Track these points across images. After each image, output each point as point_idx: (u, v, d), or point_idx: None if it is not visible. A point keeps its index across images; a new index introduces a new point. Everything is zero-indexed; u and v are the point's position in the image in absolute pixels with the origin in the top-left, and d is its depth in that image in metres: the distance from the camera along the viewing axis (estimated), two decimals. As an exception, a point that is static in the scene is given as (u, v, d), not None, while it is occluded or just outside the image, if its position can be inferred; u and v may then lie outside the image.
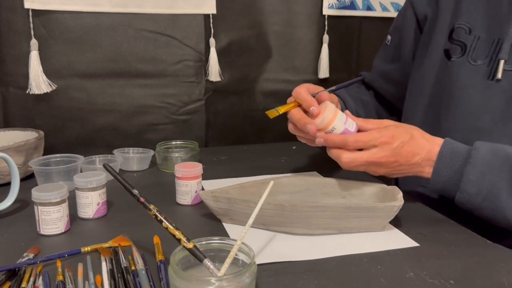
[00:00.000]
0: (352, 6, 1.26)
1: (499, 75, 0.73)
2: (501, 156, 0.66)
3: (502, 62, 0.73)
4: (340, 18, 1.24)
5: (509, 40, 0.73)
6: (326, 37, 1.25)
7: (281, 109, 0.74)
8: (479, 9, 0.79)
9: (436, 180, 0.69)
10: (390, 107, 1.03)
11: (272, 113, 0.75)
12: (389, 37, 0.99)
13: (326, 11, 1.23)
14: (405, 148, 0.69)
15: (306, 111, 0.74)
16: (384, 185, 0.70)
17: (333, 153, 0.71)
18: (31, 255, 0.56)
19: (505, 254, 0.58)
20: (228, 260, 0.46)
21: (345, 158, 0.69)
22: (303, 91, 0.74)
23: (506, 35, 0.73)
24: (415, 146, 0.70)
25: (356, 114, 0.92)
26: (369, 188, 0.71)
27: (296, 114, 0.74)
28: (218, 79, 1.16)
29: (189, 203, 0.75)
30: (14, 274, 0.52)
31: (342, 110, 0.80)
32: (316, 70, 1.27)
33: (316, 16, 1.23)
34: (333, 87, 0.84)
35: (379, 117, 1.00)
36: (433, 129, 0.84)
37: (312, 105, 0.72)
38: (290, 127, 0.77)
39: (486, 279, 0.52)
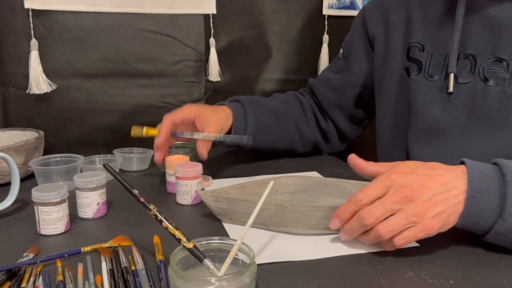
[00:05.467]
0: (352, 6, 1.26)
1: (451, 88, 0.75)
2: None
3: (451, 76, 0.75)
4: (340, 18, 1.25)
5: (454, 54, 0.75)
6: (326, 37, 1.25)
7: (146, 132, 0.82)
8: (428, 27, 0.81)
9: (470, 212, 0.55)
10: (322, 116, 1.04)
11: (136, 131, 0.82)
12: (341, 50, 1.02)
13: (326, 11, 1.23)
14: (420, 171, 0.56)
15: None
16: None
17: (370, 238, 0.55)
18: (31, 255, 0.56)
19: (505, 254, 0.58)
20: (228, 260, 0.46)
21: (383, 229, 0.54)
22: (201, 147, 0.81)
23: (451, 49, 0.75)
24: (438, 169, 0.57)
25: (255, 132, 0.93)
26: None
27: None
28: (218, 79, 1.16)
29: (189, 203, 0.75)
30: (14, 274, 0.52)
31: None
32: (316, 70, 1.27)
33: (316, 16, 1.23)
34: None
35: (298, 129, 1.01)
36: (403, 147, 0.86)
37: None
38: None
39: (486, 279, 0.52)
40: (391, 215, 0.54)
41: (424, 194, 0.53)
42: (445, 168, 0.57)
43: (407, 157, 0.85)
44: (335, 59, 1.04)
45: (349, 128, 1.04)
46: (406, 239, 0.54)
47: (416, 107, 0.82)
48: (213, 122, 0.85)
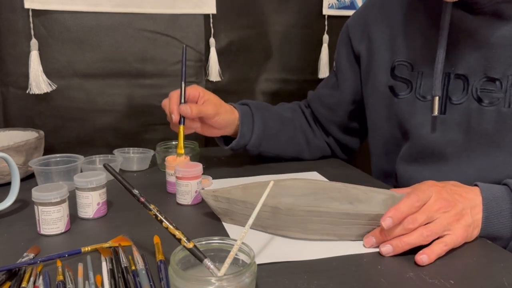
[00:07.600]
0: (352, 6, 1.26)
1: (435, 112, 0.74)
2: None
3: (436, 99, 0.74)
4: (340, 18, 1.24)
5: (438, 77, 0.73)
6: (326, 37, 1.25)
7: (180, 150, 0.82)
8: (416, 45, 0.79)
9: (487, 232, 0.62)
10: (322, 129, 1.04)
11: (179, 157, 0.82)
12: (334, 64, 1.00)
13: (326, 11, 1.23)
14: (449, 187, 0.62)
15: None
16: (394, 193, 0.66)
17: (413, 240, 0.56)
18: (31, 255, 0.56)
19: (505, 254, 0.58)
20: (228, 260, 0.46)
21: (450, 240, 0.57)
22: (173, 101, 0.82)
23: (435, 72, 0.73)
24: (461, 187, 0.63)
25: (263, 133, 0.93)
26: (378, 195, 0.67)
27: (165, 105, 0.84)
28: (218, 79, 1.16)
29: (189, 203, 0.75)
30: (14, 274, 0.52)
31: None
32: (316, 70, 1.27)
33: (316, 16, 1.23)
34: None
35: (306, 137, 1.01)
36: (394, 165, 0.84)
37: (172, 112, 0.81)
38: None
39: (486, 279, 0.52)
40: (429, 222, 0.58)
41: (456, 207, 0.59)
42: (465, 187, 0.63)
43: (400, 175, 0.83)
44: (331, 72, 1.04)
45: (349, 140, 1.03)
46: (447, 245, 0.57)
47: (409, 128, 0.79)
48: (213, 102, 0.85)
